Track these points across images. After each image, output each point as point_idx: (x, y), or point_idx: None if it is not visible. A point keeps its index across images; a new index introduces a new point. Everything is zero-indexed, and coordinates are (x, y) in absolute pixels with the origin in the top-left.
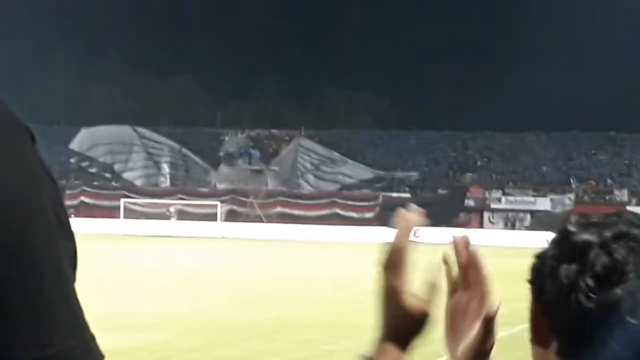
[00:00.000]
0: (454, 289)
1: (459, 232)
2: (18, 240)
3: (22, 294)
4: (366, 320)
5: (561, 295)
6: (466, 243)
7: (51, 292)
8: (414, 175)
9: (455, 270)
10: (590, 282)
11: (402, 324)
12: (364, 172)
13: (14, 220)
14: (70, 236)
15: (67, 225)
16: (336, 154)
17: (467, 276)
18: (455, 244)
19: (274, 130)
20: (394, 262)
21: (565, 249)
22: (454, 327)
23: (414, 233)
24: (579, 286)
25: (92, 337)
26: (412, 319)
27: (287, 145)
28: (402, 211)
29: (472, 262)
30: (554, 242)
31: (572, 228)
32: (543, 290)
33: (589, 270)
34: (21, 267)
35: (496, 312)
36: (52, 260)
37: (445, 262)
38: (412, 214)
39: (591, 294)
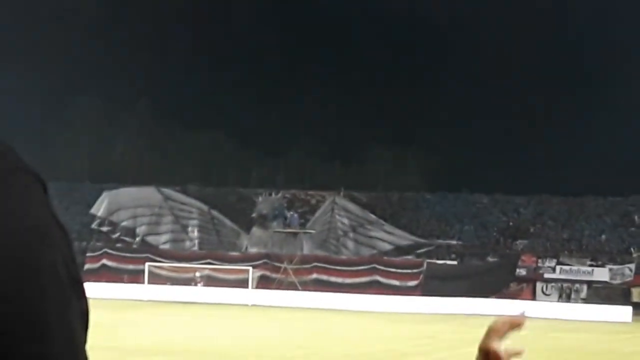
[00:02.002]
0: None
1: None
2: (25, 301)
3: (28, 354)
4: None
5: None
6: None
7: (59, 354)
8: (455, 243)
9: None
10: None
11: None
12: (401, 238)
13: (21, 279)
14: (82, 294)
15: (79, 283)
16: (372, 215)
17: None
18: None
19: (310, 191)
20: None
21: None
22: None
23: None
24: None
25: None
26: None
27: (323, 206)
28: (503, 318)
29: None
30: None
31: None
32: None
33: None
34: (29, 331)
35: None
36: (63, 323)
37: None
38: (513, 321)
39: None
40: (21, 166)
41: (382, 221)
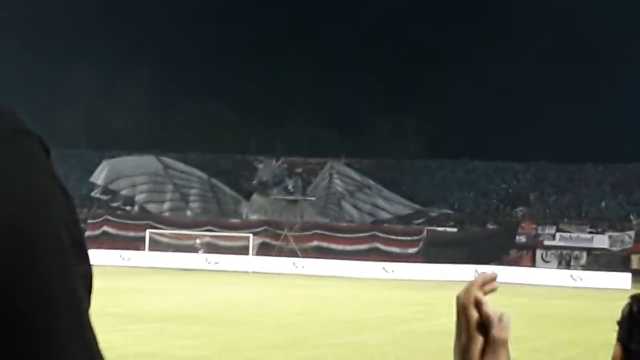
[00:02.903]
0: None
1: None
2: (27, 264)
3: (32, 325)
4: None
5: None
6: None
7: (64, 323)
8: (450, 213)
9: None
10: None
11: None
12: (400, 206)
13: (23, 242)
14: (85, 258)
15: (82, 246)
16: (371, 181)
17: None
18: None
19: (310, 158)
20: (461, 322)
21: None
22: None
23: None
24: None
25: None
26: None
27: (322, 172)
28: (484, 276)
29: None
30: None
31: None
32: (632, 336)
33: None
34: (31, 294)
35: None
36: (64, 286)
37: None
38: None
39: None
40: (23, 129)
41: (380, 187)
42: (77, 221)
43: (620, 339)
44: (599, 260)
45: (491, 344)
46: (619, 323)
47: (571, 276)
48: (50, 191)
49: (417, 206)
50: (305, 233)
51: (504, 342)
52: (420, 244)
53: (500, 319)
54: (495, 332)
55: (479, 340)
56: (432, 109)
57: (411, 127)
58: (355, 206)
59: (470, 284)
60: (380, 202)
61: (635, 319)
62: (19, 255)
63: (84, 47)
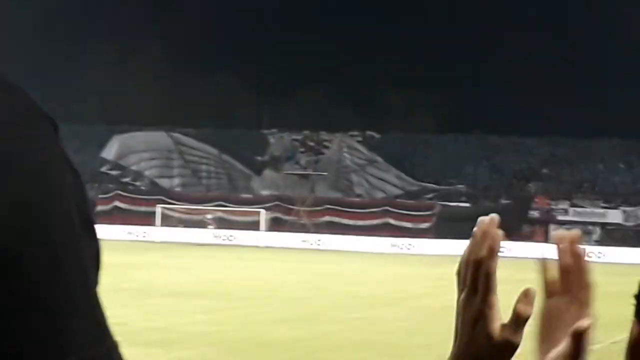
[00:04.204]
0: (551, 292)
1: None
2: (38, 241)
3: (43, 299)
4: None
5: None
6: (573, 240)
7: (73, 298)
8: (463, 188)
9: (553, 271)
10: None
11: (484, 354)
12: (409, 184)
13: (34, 220)
14: (94, 235)
15: (91, 224)
16: (379, 158)
17: (568, 279)
18: (559, 241)
19: (322, 133)
20: (477, 282)
21: None
22: (547, 334)
23: (499, 248)
24: None
25: (115, 345)
26: (496, 350)
27: (332, 146)
28: (483, 222)
29: (577, 264)
30: None
31: None
32: None
33: None
34: (42, 271)
35: (588, 326)
36: (75, 263)
37: (544, 263)
38: (490, 221)
39: None
40: (32, 107)
41: (389, 165)
42: (87, 200)
43: (637, 313)
44: (613, 235)
45: (513, 318)
46: (636, 297)
47: (585, 251)
48: (60, 172)
49: (427, 182)
50: (317, 208)
51: (526, 320)
52: (433, 219)
53: (527, 293)
54: (521, 307)
55: (497, 305)
56: (446, 84)
57: (425, 102)
58: (366, 181)
59: (482, 240)
60: (391, 177)
61: None
62: (31, 235)
63: (96, 23)
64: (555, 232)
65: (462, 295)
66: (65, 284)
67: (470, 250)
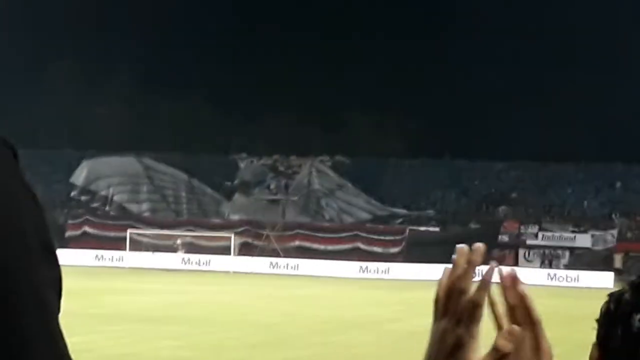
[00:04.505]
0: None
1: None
2: None
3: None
4: None
5: (629, 345)
6: (514, 280)
7: (29, 326)
8: (431, 212)
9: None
10: None
11: None
12: (378, 209)
13: None
14: (54, 262)
15: (52, 251)
16: (348, 183)
17: (515, 317)
18: (503, 281)
19: (292, 157)
20: (460, 311)
21: None
22: None
23: (477, 273)
24: None
25: None
26: None
27: (302, 171)
28: (461, 248)
29: (522, 302)
30: (633, 287)
31: None
32: (610, 335)
33: None
34: None
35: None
36: (31, 290)
37: (492, 302)
38: (476, 250)
39: None
40: None
41: (360, 187)
42: (47, 225)
43: (598, 337)
44: (582, 259)
45: (492, 352)
46: (598, 321)
47: (554, 275)
48: (16, 195)
49: (396, 207)
50: (287, 233)
51: (505, 356)
52: (403, 244)
53: (511, 331)
54: (501, 342)
55: (478, 337)
56: (414, 108)
57: (393, 125)
58: (336, 205)
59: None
60: (360, 202)
61: (611, 317)
62: None
63: (62, 45)
64: (499, 269)
65: (442, 323)
66: (23, 312)
67: (454, 278)
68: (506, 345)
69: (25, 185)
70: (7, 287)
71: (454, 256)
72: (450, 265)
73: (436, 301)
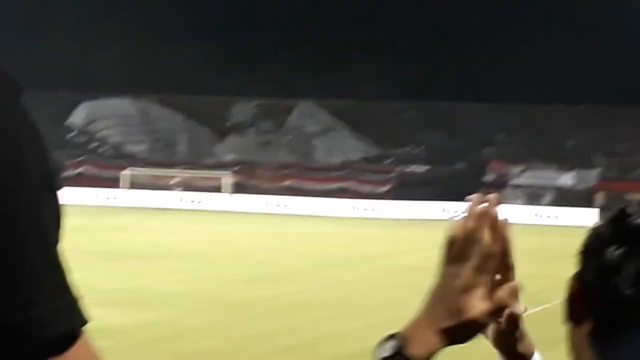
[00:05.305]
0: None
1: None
2: None
3: (0, 255)
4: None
5: (602, 277)
6: (494, 202)
7: (33, 254)
8: (418, 152)
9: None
10: (634, 270)
11: (456, 324)
12: (369, 147)
13: None
14: (54, 193)
15: (53, 183)
16: (340, 122)
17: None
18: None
19: (285, 99)
20: (470, 256)
21: (617, 230)
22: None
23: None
24: (622, 271)
25: (77, 299)
26: (470, 323)
27: (293, 113)
28: (474, 197)
29: (502, 246)
30: (609, 221)
31: (630, 211)
32: (586, 267)
33: (637, 257)
34: None
35: (524, 311)
36: (34, 220)
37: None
38: (491, 201)
39: (633, 281)
40: None
41: (349, 130)
42: (48, 159)
43: (576, 270)
44: (565, 197)
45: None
46: (579, 254)
47: (537, 213)
48: (19, 128)
49: (385, 148)
50: (280, 172)
51: (504, 308)
52: (391, 183)
53: (513, 287)
54: (503, 296)
55: (487, 283)
56: (404, 53)
57: (382, 69)
58: (327, 146)
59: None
60: (350, 142)
61: (587, 251)
62: None
63: None
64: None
65: (454, 268)
66: (23, 240)
67: (469, 228)
68: (507, 300)
69: (26, 117)
70: (12, 217)
71: (469, 204)
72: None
73: (450, 245)
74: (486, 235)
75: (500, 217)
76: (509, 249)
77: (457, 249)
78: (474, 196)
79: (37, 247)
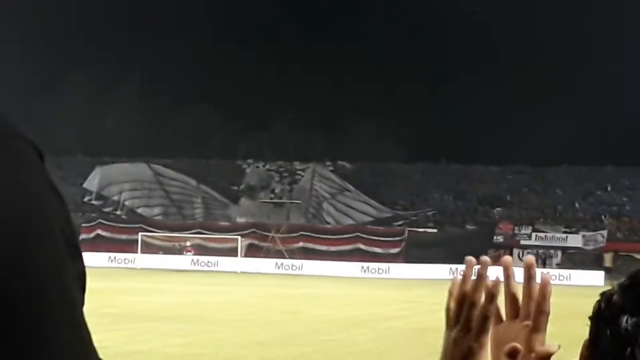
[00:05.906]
0: (499, 317)
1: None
2: (21, 263)
3: (27, 323)
4: None
5: (617, 346)
6: (487, 264)
7: (57, 318)
8: (430, 214)
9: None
10: None
11: None
12: (379, 210)
13: (17, 242)
14: (79, 257)
15: (76, 247)
16: (350, 186)
17: (528, 305)
18: (528, 267)
19: (296, 163)
20: (471, 322)
21: (631, 298)
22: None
23: (498, 294)
24: (638, 341)
25: None
26: None
27: (305, 176)
28: (470, 260)
29: (542, 291)
30: (622, 288)
31: None
32: (599, 334)
33: None
34: (25, 292)
35: (556, 350)
36: (58, 284)
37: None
38: (483, 263)
39: None
40: (17, 133)
41: (359, 193)
42: (71, 222)
43: (590, 334)
44: (573, 259)
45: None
46: (591, 318)
47: (547, 274)
48: (43, 193)
49: (395, 210)
50: (292, 234)
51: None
52: (402, 245)
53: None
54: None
55: (487, 346)
56: (412, 116)
57: (392, 132)
58: (335, 208)
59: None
60: (361, 205)
61: (601, 317)
62: (13, 255)
63: (75, 54)
64: (526, 257)
65: (454, 332)
66: (50, 305)
67: (464, 290)
68: (517, 350)
69: (51, 185)
70: (38, 282)
71: (465, 268)
72: (451, 267)
73: (447, 310)
74: (478, 297)
75: (492, 278)
76: (497, 309)
77: (453, 314)
78: (468, 258)
79: (62, 311)
